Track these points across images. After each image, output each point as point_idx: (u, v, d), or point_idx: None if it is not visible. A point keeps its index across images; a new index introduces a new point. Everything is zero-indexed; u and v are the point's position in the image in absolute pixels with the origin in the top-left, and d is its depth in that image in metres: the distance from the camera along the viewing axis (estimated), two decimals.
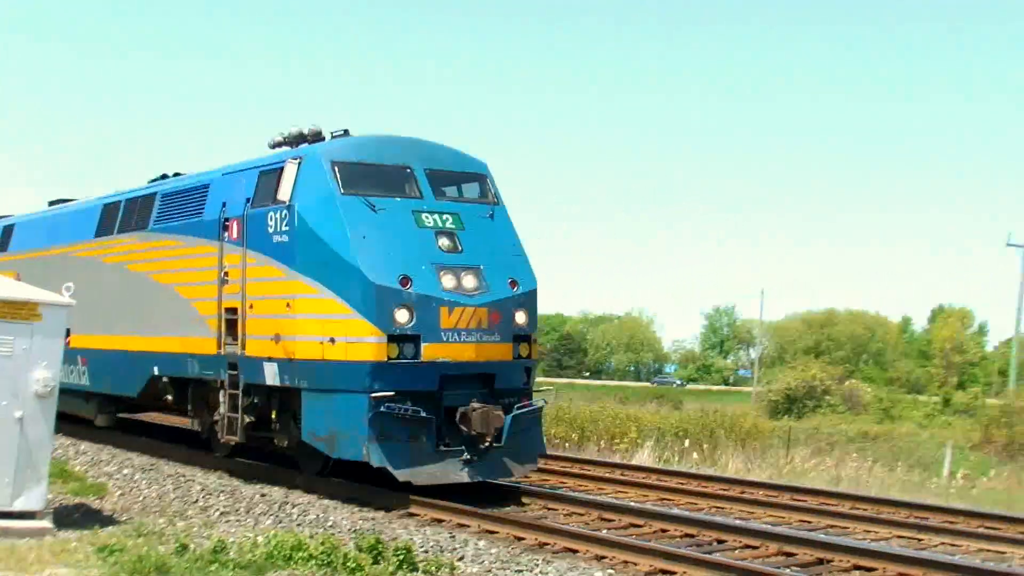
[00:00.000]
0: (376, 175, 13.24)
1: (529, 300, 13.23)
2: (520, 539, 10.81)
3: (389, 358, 12.14)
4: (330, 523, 11.34)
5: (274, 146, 14.57)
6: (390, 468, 12.02)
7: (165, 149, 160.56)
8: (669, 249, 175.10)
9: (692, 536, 11.09)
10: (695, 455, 20.84)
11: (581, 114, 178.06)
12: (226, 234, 14.19)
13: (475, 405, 12.32)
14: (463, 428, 12.32)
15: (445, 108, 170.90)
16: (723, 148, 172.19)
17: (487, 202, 13.94)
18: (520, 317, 13.03)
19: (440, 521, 11.77)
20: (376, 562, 8.80)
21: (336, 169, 12.92)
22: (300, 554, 8.88)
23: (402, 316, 12.18)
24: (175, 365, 15.26)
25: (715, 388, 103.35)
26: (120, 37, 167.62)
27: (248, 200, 13.90)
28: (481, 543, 10.41)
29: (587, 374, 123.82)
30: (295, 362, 12.77)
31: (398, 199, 13.05)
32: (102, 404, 18.16)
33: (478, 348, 12.54)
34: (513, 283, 13.02)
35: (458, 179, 14.07)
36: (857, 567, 9.78)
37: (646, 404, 41.92)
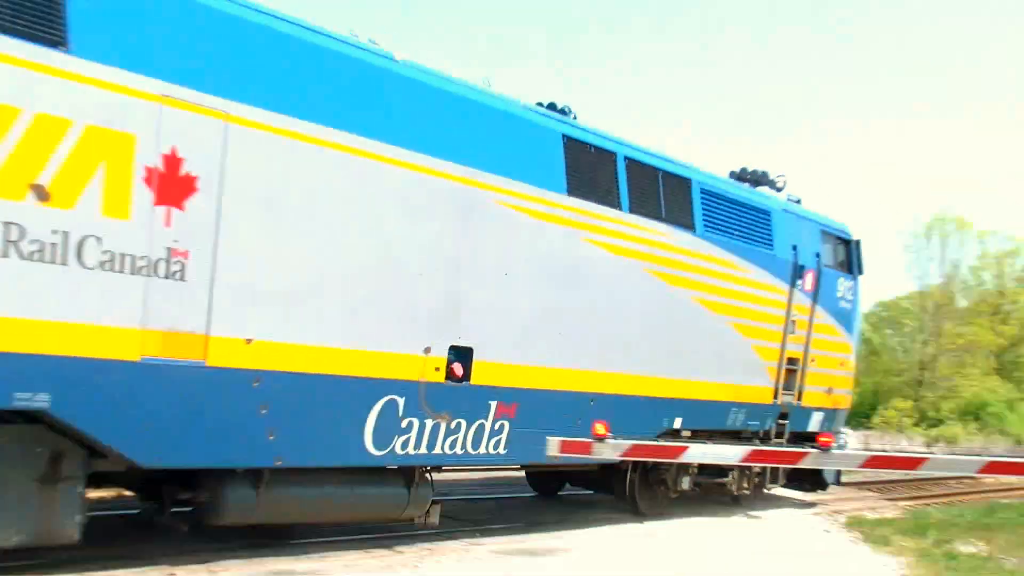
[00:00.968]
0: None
1: None
2: None
3: None
4: None
5: (737, 177, 14.27)
6: None
7: None
8: None
9: None
10: None
11: None
12: (800, 282, 13.82)
13: None
14: None
15: None
16: None
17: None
18: None
19: None
20: None
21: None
22: None
23: None
24: (706, 415, 12.63)
25: None
26: None
27: (817, 255, 14.26)
28: None
29: None
30: (838, 411, 15.19)
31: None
32: None
33: None
34: None
35: None
36: None
37: None
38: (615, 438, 8.41)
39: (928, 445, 37.13)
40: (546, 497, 14.58)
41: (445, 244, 9.20)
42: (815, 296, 14.33)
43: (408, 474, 9.43)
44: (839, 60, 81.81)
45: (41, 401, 6.57)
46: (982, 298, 53.02)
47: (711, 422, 12.78)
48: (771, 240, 13.52)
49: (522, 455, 10.43)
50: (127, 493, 9.53)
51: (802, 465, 9.17)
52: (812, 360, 14.46)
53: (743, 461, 9.47)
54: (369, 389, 8.69)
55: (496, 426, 9.85)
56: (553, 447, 8.37)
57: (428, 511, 9.75)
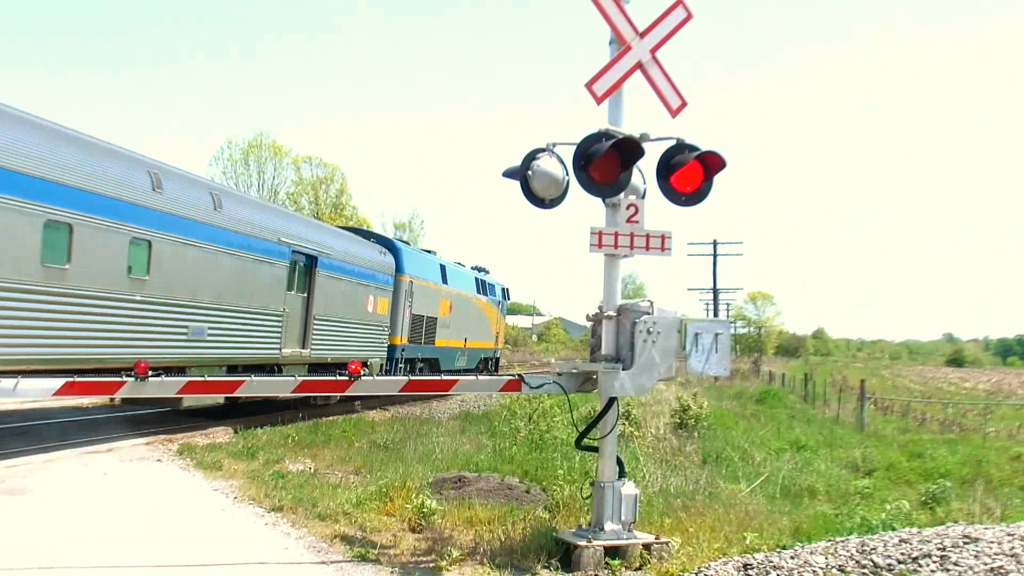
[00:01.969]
0: None
1: None
2: None
3: None
4: None
5: (479, 268, 39.64)
6: None
7: None
8: None
9: None
10: None
11: None
12: (500, 304, 40.76)
13: None
14: None
15: None
16: None
17: None
18: None
19: None
20: None
21: None
22: None
23: None
24: (450, 359, 33.66)
25: None
26: None
27: (499, 291, 41.14)
28: None
29: None
30: (496, 350, 39.99)
31: None
32: None
33: None
34: None
35: None
36: None
37: None
38: None
39: None
40: None
41: None
42: (501, 307, 39.53)
43: None
44: None
45: None
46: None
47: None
48: (491, 289, 38.64)
49: None
50: None
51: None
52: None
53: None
54: None
55: None
56: None
57: None
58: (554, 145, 9.14)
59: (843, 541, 8.58)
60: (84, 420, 18.44)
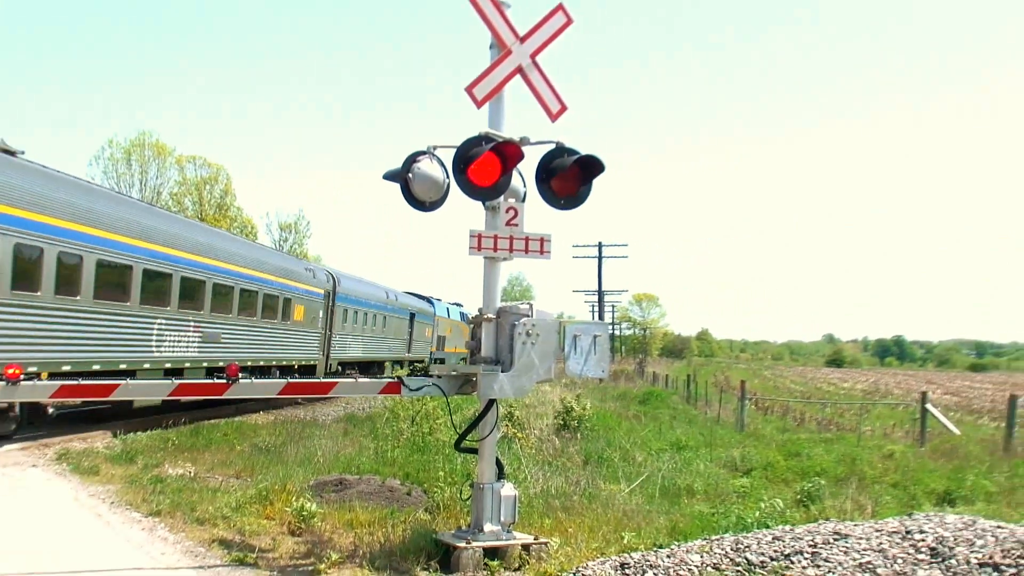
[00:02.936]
0: None
1: None
2: None
3: None
4: None
5: (456, 304, 54.53)
6: None
7: None
8: None
9: None
10: None
11: None
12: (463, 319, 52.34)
13: None
14: None
15: None
16: None
17: None
18: None
19: None
20: None
21: None
22: None
23: None
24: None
25: None
26: None
27: (458, 312, 57.42)
28: None
29: None
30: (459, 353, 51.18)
31: None
32: None
33: None
34: None
35: None
36: None
37: None
38: None
39: None
40: None
41: None
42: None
43: None
44: None
45: None
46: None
47: None
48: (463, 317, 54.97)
49: None
50: None
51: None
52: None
53: None
54: None
55: None
56: None
57: None
58: (435, 148, 9.19)
59: (718, 539, 8.82)
60: None
